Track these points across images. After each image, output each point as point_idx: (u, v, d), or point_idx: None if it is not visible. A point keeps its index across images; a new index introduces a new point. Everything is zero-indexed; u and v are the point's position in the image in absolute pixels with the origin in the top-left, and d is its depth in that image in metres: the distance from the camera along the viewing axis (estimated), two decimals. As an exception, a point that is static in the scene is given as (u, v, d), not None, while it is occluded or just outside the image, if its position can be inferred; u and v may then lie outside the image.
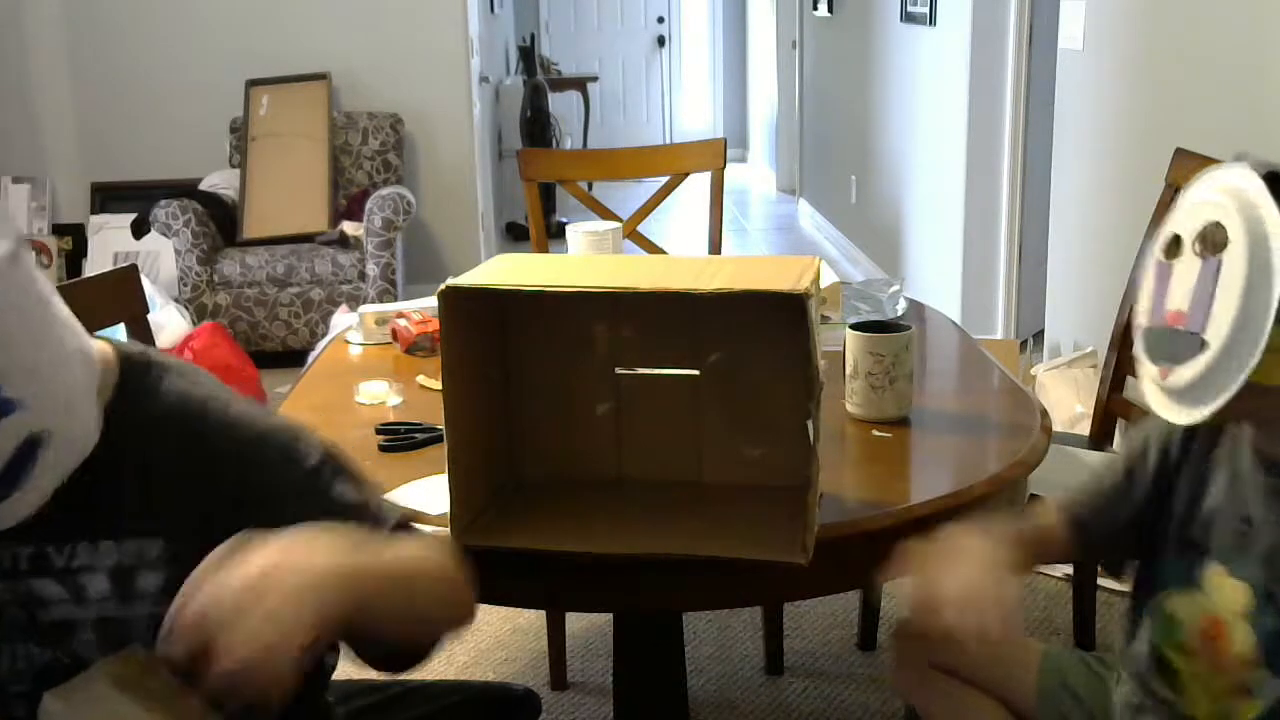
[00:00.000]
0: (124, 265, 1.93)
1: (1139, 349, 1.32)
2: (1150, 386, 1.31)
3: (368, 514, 1.18)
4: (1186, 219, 1.28)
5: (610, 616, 1.99)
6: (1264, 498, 1.34)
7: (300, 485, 1.17)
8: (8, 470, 1.04)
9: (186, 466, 1.14)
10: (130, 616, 1.15)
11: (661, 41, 10.45)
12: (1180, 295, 1.25)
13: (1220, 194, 1.25)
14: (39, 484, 1.07)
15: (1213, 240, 1.23)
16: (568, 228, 2.29)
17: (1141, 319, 1.32)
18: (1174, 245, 1.28)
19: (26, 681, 1.16)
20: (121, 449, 1.13)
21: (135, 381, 1.16)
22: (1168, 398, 1.28)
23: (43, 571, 1.14)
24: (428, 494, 1.52)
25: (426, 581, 1.17)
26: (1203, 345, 1.22)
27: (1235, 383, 1.20)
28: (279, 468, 1.17)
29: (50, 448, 1.06)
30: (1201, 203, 1.27)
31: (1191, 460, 1.42)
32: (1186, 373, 1.24)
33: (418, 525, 1.31)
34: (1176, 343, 1.25)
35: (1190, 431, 1.41)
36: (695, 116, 10.59)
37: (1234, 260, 1.20)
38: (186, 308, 4.78)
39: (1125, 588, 2.93)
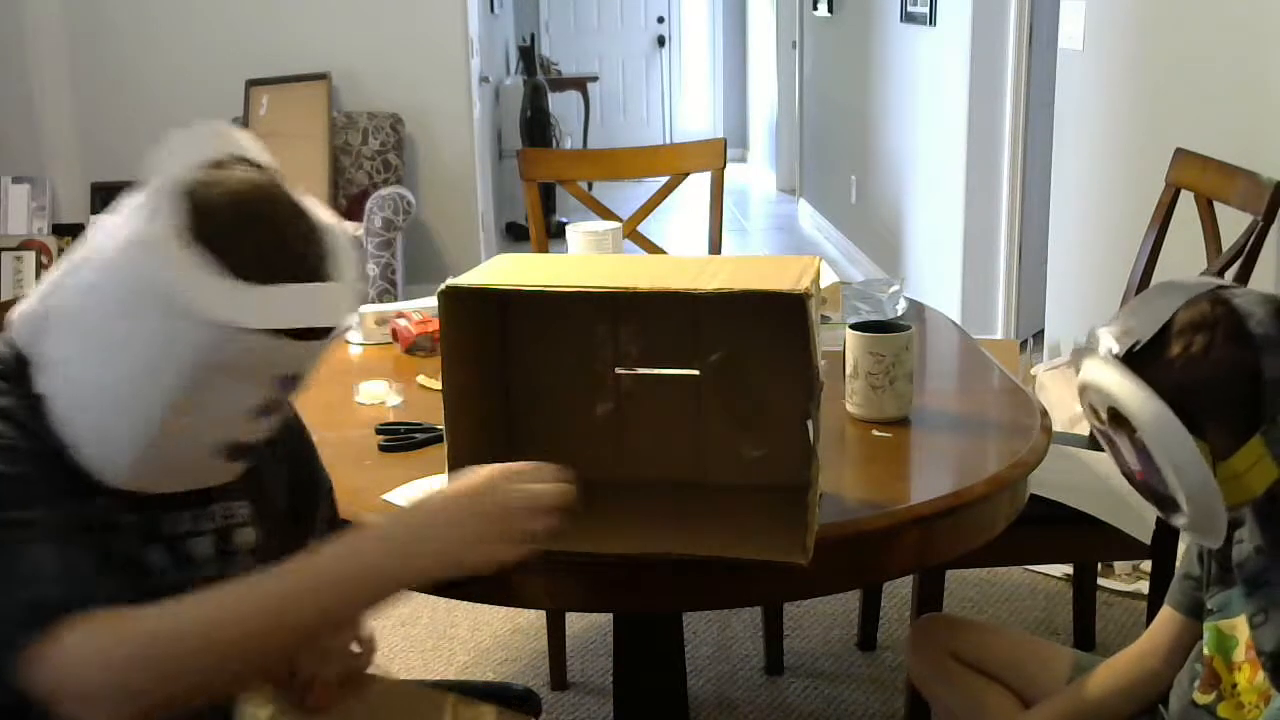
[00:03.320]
0: (124, 265, 1.92)
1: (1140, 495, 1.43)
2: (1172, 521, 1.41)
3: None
4: (1088, 401, 1.39)
5: (610, 616, 1.99)
6: (1258, 523, 1.42)
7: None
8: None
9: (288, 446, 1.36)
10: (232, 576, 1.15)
11: (661, 41, 10.45)
12: (1131, 460, 1.37)
13: (1095, 390, 1.35)
14: None
15: (1120, 424, 1.34)
16: (568, 228, 2.29)
17: (1120, 466, 1.42)
18: (1095, 416, 1.39)
19: None
20: None
21: None
22: (1188, 533, 1.38)
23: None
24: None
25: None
26: (1176, 502, 1.34)
27: (1221, 512, 1.31)
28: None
29: None
30: (1091, 388, 1.36)
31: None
32: (1184, 519, 1.35)
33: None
34: (1159, 500, 1.37)
35: None
36: (695, 116, 10.59)
37: (1147, 437, 1.30)
38: (186, 308, 4.77)
39: (1125, 588, 2.93)
